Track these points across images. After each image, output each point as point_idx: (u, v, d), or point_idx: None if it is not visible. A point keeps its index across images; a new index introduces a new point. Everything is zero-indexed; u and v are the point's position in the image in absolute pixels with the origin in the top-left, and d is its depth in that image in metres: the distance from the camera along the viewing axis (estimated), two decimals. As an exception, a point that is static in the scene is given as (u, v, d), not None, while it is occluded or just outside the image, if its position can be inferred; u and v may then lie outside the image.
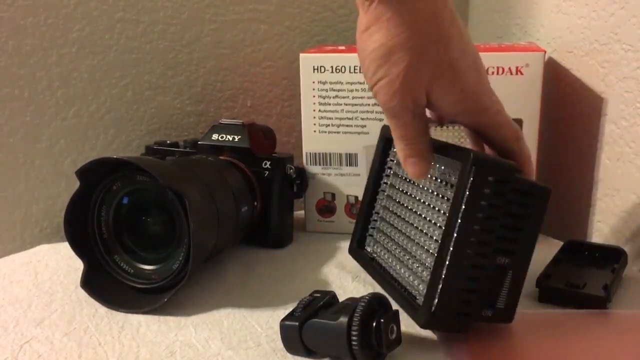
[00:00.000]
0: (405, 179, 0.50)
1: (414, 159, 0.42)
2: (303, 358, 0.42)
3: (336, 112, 0.63)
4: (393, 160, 0.53)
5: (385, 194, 0.53)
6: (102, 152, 0.69)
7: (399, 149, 0.43)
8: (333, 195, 0.66)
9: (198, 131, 0.73)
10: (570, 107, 0.65)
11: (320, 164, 0.65)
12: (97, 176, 0.49)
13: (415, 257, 0.45)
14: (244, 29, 0.74)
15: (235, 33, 0.73)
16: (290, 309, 0.43)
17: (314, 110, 0.64)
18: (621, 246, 0.55)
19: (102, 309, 0.49)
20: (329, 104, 0.63)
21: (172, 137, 0.72)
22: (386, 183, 0.53)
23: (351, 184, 0.65)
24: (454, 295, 0.40)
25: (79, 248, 0.50)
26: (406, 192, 0.49)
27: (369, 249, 0.54)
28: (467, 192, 0.39)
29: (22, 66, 0.64)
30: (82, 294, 0.50)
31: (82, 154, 0.68)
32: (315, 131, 0.64)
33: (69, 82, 0.67)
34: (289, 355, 0.42)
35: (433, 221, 0.44)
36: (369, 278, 0.54)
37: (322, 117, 0.64)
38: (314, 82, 0.63)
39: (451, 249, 0.39)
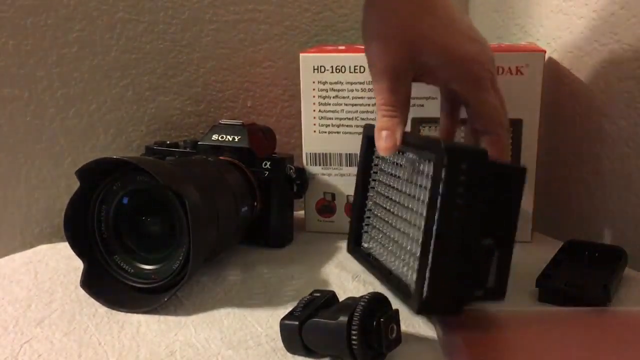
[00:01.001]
0: (390, 173, 0.51)
1: (387, 131, 0.45)
2: (303, 357, 0.42)
3: (336, 112, 0.63)
4: (379, 157, 0.54)
5: (375, 190, 0.54)
6: (102, 152, 0.69)
7: (377, 120, 0.46)
8: (333, 195, 0.66)
9: (198, 131, 0.73)
10: (570, 107, 0.65)
11: (320, 164, 0.65)
12: (97, 176, 0.49)
13: (404, 247, 0.47)
14: (244, 29, 0.74)
15: (235, 33, 0.73)
16: (290, 309, 0.43)
17: (314, 110, 0.64)
18: (621, 246, 0.55)
19: (102, 309, 0.49)
20: (329, 104, 0.63)
21: (172, 137, 0.72)
22: (374, 180, 0.54)
23: (351, 184, 0.64)
24: (443, 279, 0.41)
25: (79, 248, 0.50)
26: (391, 186, 0.50)
27: (365, 245, 0.55)
28: (443, 181, 0.40)
29: (22, 66, 0.64)
30: (82, 293, 0.50)
31: (82, 154, 0.68)
32: (315, 131, 0.64)
33: (69, 82, 0.67)
34: (289, 354, 0.42)
35: (418, 211, 0.45)
36: (369, 278, 0.54)
37: (322, 117, 0.64)
38: (314, 82, 0.63)
39: (434, 236, 0.40)
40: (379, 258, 0.52)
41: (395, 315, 0.40)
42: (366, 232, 0.55)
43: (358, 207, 0.56)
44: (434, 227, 0.41)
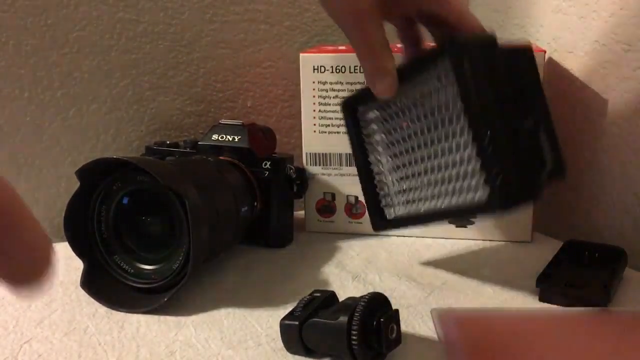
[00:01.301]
0: (389, 131, 0.50)
1: (380, 72, 0.45)
2: (303, 357, 0.42)
3: (336, 112, 0.63)
4: (366, 127, 0.53)
5: (376, 159, 0.53)
6: (102, 152, 0.69)
7: (365, 68, 0.45)
8: (333, 195, 0.66)
9: (198, 131, 0.73)
10: (570, 107, 0.65)
11: (320, 164, 0.65)
12: (97, 176, 0.49)
13: (446, 180, 0.46)
14: (244, 29, 0.74)
15: (235, 33, 0.73)
16: (290, 309, 0.43)
17: (314, 110, 0.64)
18: (621, 246, 0.55)
19: (102, 309, 0.49)
20: (329, 104, 0.63)
21: (172, 137, 0.72)
22: (372, 152, 0.53)
23: (351, 184, 0.65)
24: (508, 171, 0.41)
25: (78, 248, 0.50)
26: (396, 142, 0.49)
27: (393, 216, 0.53)
28: (468, 73, 0.40)
29: (22, 66, 0.64)
30: (82, 293, 0.50)
31: (82, 154, 0.68)
32: (315, 131, 0.64)
33: (69, 82, 0.67)
34: (289, 354, 0.42)
35: (442, 137, 0.45)
36: (369, 277, 0.54)
37: (322, 117, 0.64)
38: (314, 82, 0.63)
39: (484, 132, 0.41)
40: (417, 212, 0.51)
41: (395, 315, 0.40)
42: (385, 205, 0.54)
43: (368, 183, 0.54)
44: (481, 123, 0.41)
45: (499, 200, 0.42)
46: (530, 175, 0.43)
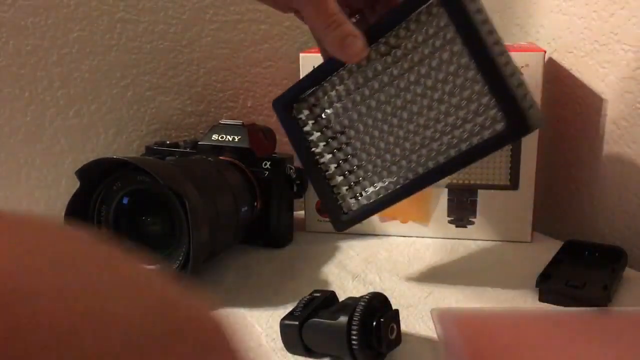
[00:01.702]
0: (352, 117, 0.48)
1: (349, 38, 0.44)
2: (303, 357, 0.42)
3: (336, 112, 0.63)
4: (307, 124, 0.51)
5: (326, 157, 0.51)
6: (103, 152, 0.69)
7: (331, 38, 0.44)
8: (333, 195, 0.66)
9: (198, 131, 0.73)
10: (570, 107, 0.65)
11: (320, 164, 0.65)
12: (97, 176, 0.49)
13: (434, 135, 0.45)
14: (244, 29, 0.74)
15: (236, 33, 0.73)
16: (290, 309, 0.43)
17: (314, 111, 0.64)
18: (621, 246, 0.55)
19: (102, 309, 0.49)
20: (329, 104, 0.63)
21: (172, 137, 0.72)
22: (320, 148, 0.51)
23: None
24: (519, 95, 0.43)
25: (79, 248, 0.50)
26: (373, 122, 0.48)
27: (355, 207, 0.50)
28: (464, 13, 0.42)
29: (22, 66, 0.64)
30: (82, 293, 0.50)
31: (82, 154, 0.68)
32: (315, 131, 0.64)
33: (69, 82, 0.67)
34: (289, 354, 0.42)
35: (429, 94, 0.45)
36: (369, 277, 0.54)
37: (322, 117, 0.64)
38: (314, 82, 0.63)
39: (491, 61, 0.42)
40: (389, 190, 0.48)
41: (395, 315, 0.40)
42: (352, 198, 0.51)
43: (320, 182, 0.51)
44: (486, 56, 0.42)
45: (522, 121, 0.42)
46: (529, 98, 0.44)
